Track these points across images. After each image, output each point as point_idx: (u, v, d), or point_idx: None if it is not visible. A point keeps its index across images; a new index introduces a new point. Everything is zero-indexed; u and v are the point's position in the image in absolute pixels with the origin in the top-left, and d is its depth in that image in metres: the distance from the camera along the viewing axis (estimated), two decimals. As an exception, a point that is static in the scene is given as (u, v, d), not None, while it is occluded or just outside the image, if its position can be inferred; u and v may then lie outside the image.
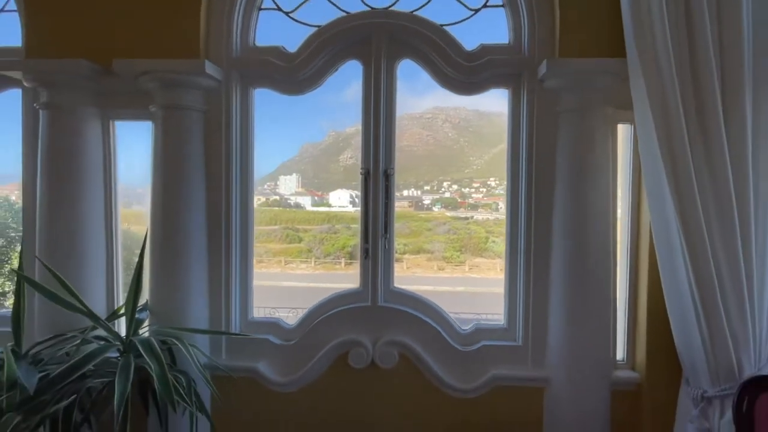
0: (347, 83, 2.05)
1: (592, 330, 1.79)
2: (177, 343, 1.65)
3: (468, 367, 1.91)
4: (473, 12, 1.98)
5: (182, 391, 1.56)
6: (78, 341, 1.58)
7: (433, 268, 3.04)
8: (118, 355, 1.68)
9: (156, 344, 1.57)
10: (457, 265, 3.09)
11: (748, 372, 1.54)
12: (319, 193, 3.03)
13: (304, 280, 2.92)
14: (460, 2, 1.98)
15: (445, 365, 1.91)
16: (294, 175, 3.18)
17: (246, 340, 1.96)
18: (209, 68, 1.80)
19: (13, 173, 2.14)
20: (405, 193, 2.65)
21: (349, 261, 3.02)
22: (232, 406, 1.94)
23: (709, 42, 1.52)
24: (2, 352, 1.48)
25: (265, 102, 2.06)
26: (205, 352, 1.86)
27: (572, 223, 1.80)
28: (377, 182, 1.94)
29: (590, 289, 1.78)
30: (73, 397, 1.41)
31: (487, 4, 1.97)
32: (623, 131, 1.91)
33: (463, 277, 3.13)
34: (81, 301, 1.64)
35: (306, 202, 3.08)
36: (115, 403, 1.35)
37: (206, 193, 1.92)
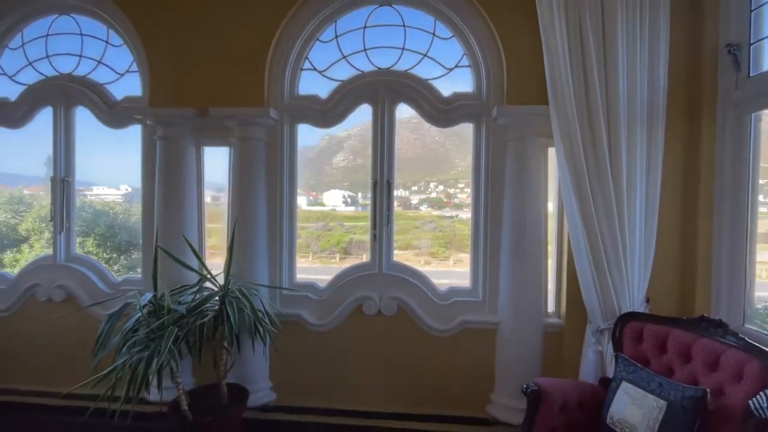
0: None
1: (529, 291, 2.63)
2: (256, 292, 2.56)
3: (444, 315, 2.77)
4: (448, 70, 2.86)
5: (258, 321, 2.45)
6: (196, 289, 2.50)
7: (420, 262, 3.28)
8: (218, 302, 2.58)
9: (246, 292, 2.48)
10: (442, 260, 3.34)
11: (625, 311, 2.37)
12: (314, 194, 3.26)
13: (303, 272, 3.02)
14: (439, 64, 2.85)
15: (429, 314, 2.78)
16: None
17: (293, 295, 2.86)
18: (271, 112, 2.72)
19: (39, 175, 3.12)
20: (395, 193, 2.85)
21: (343, 256, 3.31)
22: (284, 340, 2.84)
23: (598, 95, 2.34)
24: (154, 296, 2.40)
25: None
26: (266, 301, 2.76)
27: (515, 217, 2.64)
28: (382, 188, 2.83)
29: (527, 263, 2.62)
30: (204, 318, 2.33)
31: (458, 65, 2.84)
32: (552, 154, 2.75)
33: (447, 270, 3.32)
34: (200, 265, 2.56)
35: (302, 201, 3.14)
36: (231, 320, 2.26)
37: (267, 196, 2.83)
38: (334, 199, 3.07)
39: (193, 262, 2.70)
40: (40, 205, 3.35)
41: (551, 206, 2.77)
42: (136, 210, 3.12)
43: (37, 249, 3.34)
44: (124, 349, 2.18)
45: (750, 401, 1.49)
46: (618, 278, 2.36)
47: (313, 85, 2.93)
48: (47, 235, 3.23)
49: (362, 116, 2.89)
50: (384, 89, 2.81)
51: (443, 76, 2.86)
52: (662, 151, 2.38)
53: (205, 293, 2.46)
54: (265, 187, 2.82)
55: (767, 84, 2.12)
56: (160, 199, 2.78)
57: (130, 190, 3.35)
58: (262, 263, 2.79)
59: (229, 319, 2.30)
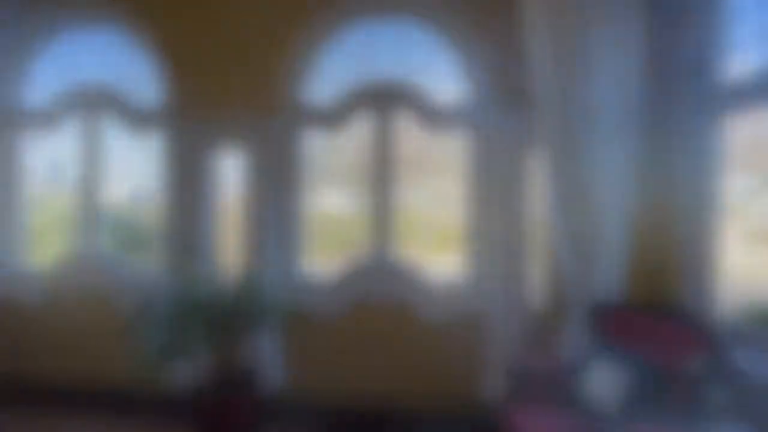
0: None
1: (512, 282, 2.87)
2: (269, 283, 2.82)
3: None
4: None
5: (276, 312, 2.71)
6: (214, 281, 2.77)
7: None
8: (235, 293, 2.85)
9: (259, 283, 2.73)
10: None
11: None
12: None
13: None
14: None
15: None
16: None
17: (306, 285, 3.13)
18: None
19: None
20: None
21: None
22: (295, 329, 3.10)
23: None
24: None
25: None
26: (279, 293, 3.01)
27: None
28: (381, 189, 3.07)
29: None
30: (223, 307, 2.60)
31: (451, 74, 3.06)
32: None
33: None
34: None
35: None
36: (248, 310, 2.52)
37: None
38: None
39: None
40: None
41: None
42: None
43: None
44: (153, 334, 2.47)
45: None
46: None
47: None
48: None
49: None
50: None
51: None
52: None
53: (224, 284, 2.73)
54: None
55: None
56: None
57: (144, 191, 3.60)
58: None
59: (243, 309, 2.56)
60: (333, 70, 3.13)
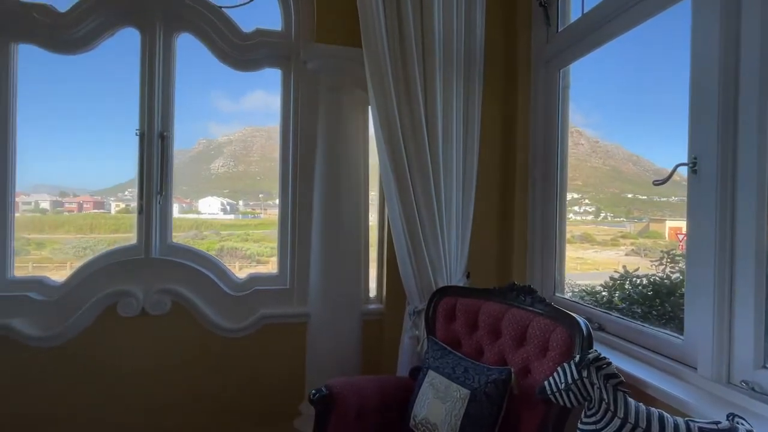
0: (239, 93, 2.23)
1: (345, 276, 2.16)
2: None
3: (240, 310, 2.13)
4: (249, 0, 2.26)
5: None
6: None
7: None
8: None
9: None
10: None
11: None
12: (188, 200, 2.91)
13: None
14: (237, -12, 2.24)
15: (218, 309, 2.11)
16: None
17: (3, 296, 1.90)
18: (-51, 14, 1.75)
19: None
20: (277, 201, 2.61)
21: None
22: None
23: (412, 36, 1.98)
24: None
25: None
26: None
27: (328, 187, 2.14)
28: (151, 143, 2.08)
29: (343, 238, 2.15)
30: None
31: (262, -7, 2.27)
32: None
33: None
34: None
35: (173, 209, 2.87)
36: None
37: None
38: (211, 207, 2.67)
39: None
40: None
41: (374, 177, 2.37)
42: None
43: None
44: None
45: (545, 382, 1.18)
46: (434, 250, 2.03)
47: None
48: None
49: (189, 79, 2.14)
50: (156, 9, 2.07)
51: (243, 4, 2.25)
52: (479, 109, 2.14)
53: None
54: (-52, 132, 1.83)
55: (573, 39, 2.00)
56: None
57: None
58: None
59: None
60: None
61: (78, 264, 2.09)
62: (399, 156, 1.98)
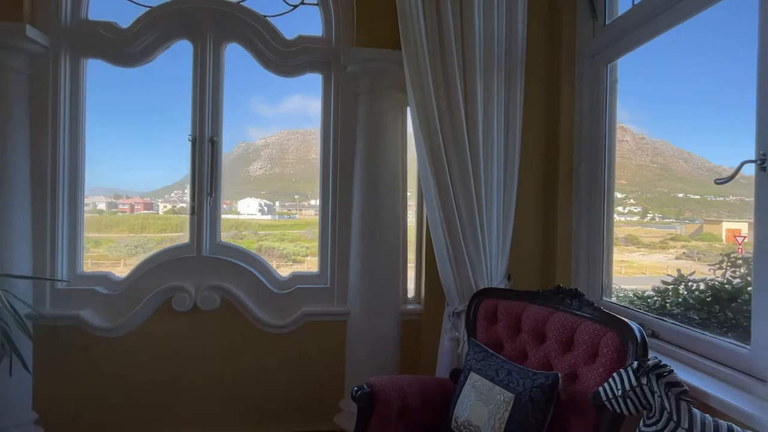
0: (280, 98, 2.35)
1: (384, 277, 2.18)
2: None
3: (284, 307, 2.21)
4: (292, 7, 2.34)
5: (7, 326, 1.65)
6: None
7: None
8: None
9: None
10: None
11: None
12: (228, 201, 2.97)
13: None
14: (281, -1, 2.33)
15: (263, 306, 2.19)
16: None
17: (74, 290, 2.08)
18: (31, 32, 1.94)
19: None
20: (312, 202, 2.74)
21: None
22: (56, 352, 2.04)
23: (452, 40, 1.99)
24: None
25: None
26: (24, 301, 1.94)
27: (367, 189, 2.17)
28: (203, 148, 2.20)
29: (382, 239, 2.17)
30: None
31: (304, 2, 2.34)
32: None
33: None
34: None
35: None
36: None
37: (31, 153, 2.03)
38: (249, 208, 2.80)
39: None
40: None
41: (412, 177, 2.37)
42: None
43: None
44: None
45: (600, 388, 1.14)
46: (475, 251, 2.01)
47: (113, 11, 2.22)
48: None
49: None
50: (207, 22, 2.19)
51: (287, 13, 2.33)
52: (521, 108, 2.10)
53: None
54: (29, 141, 2.02)
55: (621, 32, 1.92)
56: None
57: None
58: (21, 248, 1.98)
59: None
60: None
61: (131, 261, 2.25)
62: (438, 156, 1.97)
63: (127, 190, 2.69)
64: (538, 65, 2.21)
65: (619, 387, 1.01)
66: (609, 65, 2.03)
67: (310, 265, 2.59)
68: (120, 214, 2.63)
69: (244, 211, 2.82)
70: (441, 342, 2.08)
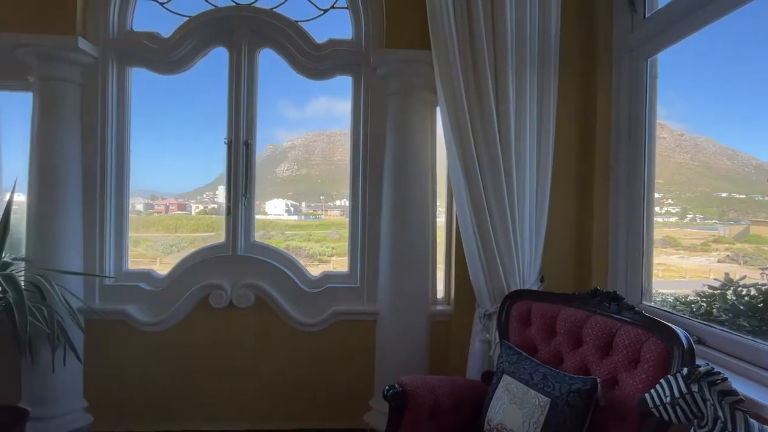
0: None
1: (413, 277, 2.18)
2: (42, 280, 1.88)
3: (315, 306, 2.25)
4: (323, 12, 2.38)
5: (41, 319, 1.78)
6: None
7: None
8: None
9: (17, 278, 1.79)
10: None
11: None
12: (257, 202, 3.03)
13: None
14: (312, 3, 2.37)
15: (295, 304, 2.24)
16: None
17: (119, 286, 2.20)
18: (83, 44, 2.07)
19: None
20: (338, 202, 2.78)
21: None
22: (104, 345, 2.16)
23: (483, 38, 1.97)
24: None
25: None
26: (76, 295, 2.07)
27: (397, 189, 2.18)
28: (238, 151, 2.27)
29: (411, 239, 2.17)
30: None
31: (335, 5, 2.38)
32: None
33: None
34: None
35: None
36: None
37: (82, 156, 2.16)
38: (276, 208, 2.87)
39: None
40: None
41: (441, 178, 2.36)
42: None
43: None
44: None
45: (646, 395, 1.10)
46: (507, 253, 1.97)
47: (156, 21, 2.33)
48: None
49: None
50: (242, 29, 2.27)
51: (317, 18, 2.38)
52: (555, 105, 2.05)
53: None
54: (80, 145, 2.16)
55: (663, 25, 1.84)
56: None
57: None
58: (73, 246, 2.11)
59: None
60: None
61: (166, 259, 2.36)
62: (469, 156, 1.96)
63: (162, 192, 2.82)
64: (573, 61, 2.15)
65: (668, 394, 0.97)
66: (649, 60, 1.95)
67: (336, 264, 2.62)
68: (156, 214, 2.76)
69: (271, 212, 2.87)
70: (471, 343, 2.06)
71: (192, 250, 2.33)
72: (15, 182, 1.97)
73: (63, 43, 2.03)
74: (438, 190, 2.33)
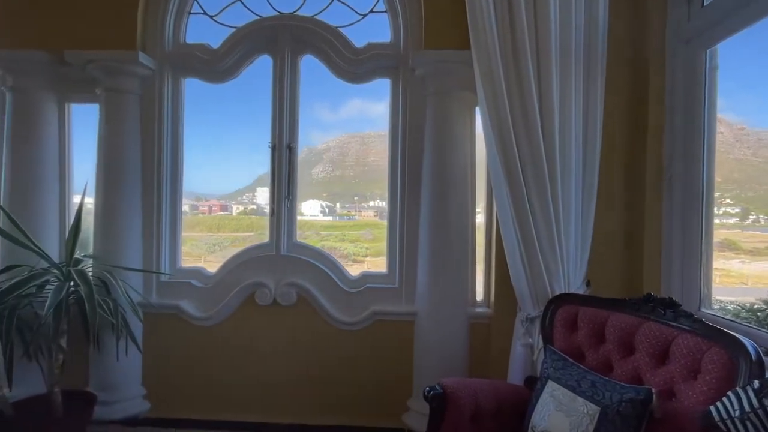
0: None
1: (452, 278, 2.17)
2: (108, 275, 2.05)
3: (354, 305, 2.29)
4: (362, 17, 2.42)
5: (107, 311, 1.94)
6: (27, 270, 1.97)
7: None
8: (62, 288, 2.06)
9: (87, 273, 1.96)
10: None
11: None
12: None
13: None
14: (351, 8, 2.42)
15: (335, 303, 2.30)
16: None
17: (173, 282, 2.35)
18: (142, 58, 2.23)
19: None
20: (371, 203, 2.80)
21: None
22: (160, 337, 2.32)
23: (525, 35, 1.92)
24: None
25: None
26: (137, 290, 2.24)
27: (435, 189, 2.18)
28: (281, 154, 2.36)
29: (450, 240, 2.16)
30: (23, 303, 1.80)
31: (373, 10, 2.41)
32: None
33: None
34: (31, 241, 2.03)
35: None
36: (46, 306, 1.74)
37: (142, 161, 2.33)
38: (312, 209, 2.91)
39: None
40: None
41: (481, 178, 2.33)
42: None
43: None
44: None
45: (711, 407, 1.03)
46: (551, 255, 1.92)
47: (206, 33, 2.47)
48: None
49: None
50: (285, 37, 2.36)
51: (356, 23, 2.42)
52: (601, 104, 1.96)
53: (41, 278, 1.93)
54: (140, 151, 2.33)
55: (723, 13, 1.72)
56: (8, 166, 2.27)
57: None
58: (134, 245, 2.28)
59: (69, 309, 1.78)
60: (221, 3, 2.40)
61: (210, 258, 2.48)
62: (511, 157, 1.92)
63: (206, 194, 2.96)
64: (622, 55, 2.05)
65: (737, 408, 0.91)
66: (708, 50, 1.82)
67: (370, 265, 2.64)
68: (200, 215, 2.91)
69: (307, 213, 2.90)
70: (513, 347, 2.01)
71: (234, 249, 2.45)
72: (85, 186, 2.16)
73: (126, 58, 2.21)
74: (477, 190, 2.30)
